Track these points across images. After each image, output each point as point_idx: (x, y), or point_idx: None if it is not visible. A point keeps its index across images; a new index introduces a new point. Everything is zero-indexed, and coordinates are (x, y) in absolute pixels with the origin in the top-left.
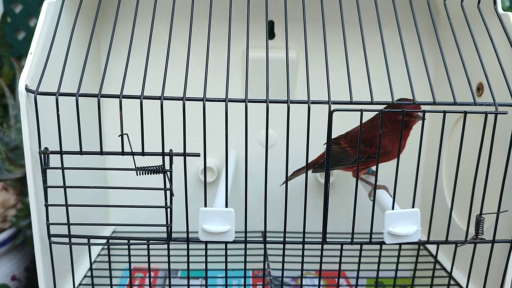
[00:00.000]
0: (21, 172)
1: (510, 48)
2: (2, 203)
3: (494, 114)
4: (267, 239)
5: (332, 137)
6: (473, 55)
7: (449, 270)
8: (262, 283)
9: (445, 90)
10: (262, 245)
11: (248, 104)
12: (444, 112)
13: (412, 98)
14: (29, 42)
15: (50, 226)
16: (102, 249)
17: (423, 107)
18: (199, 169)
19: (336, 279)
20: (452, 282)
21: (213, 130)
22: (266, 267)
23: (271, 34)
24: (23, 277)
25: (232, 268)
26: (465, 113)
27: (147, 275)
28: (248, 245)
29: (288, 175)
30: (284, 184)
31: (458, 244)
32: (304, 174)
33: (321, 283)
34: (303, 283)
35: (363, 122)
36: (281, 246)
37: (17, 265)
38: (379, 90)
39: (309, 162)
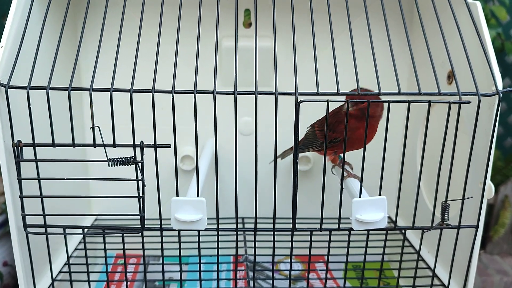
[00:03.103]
0: None
1: (478, 38)
2: None
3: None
4: (246, 225)
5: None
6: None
7: (420, 253)
8: (235, 268)
9: (423, 79)
10: (240, 232)
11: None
12: (409, 102)
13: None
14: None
15: (28, 217)
16: (84, 238)
17: (389, 97)
18: (178, 158)
19: (315, 263)
20: (423, 264)
21: (191, 118)
22: (244, 252)
23: (249, 23)
24: (14, 263)
25: (210, 254)
26: (429, 102)
27: (129, 262)
28: (226, 232)
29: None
30: (273, 163)
31: (425, 230)
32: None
33: (300, 267)
34: (283, 267)
35: (334, 108)
36: (260, 232)
37: (9, 251)
38: (350, 81)
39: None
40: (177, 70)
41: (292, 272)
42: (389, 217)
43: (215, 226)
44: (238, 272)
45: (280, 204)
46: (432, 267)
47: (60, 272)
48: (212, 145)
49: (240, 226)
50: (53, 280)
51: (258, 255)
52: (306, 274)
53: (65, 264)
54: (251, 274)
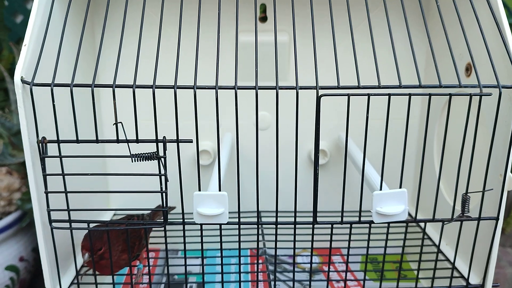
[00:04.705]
0: (24, 156)
1: (497, 29)
2: (7, 187)
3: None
4: (262, 219)
5: None
6: (462, 36)
7: (439, 245)
8: (256, 262)
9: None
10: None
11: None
12: (430, 95)
13: None
14: (27, 25)
15: (52, 212)
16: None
17: (410, 90)
18: (195, 152)
19: (332, 256)
20: (442, 257)
21: (209, 113)
22: (262, 246)
23: (264, 18)
24: (30, 258)
25: (229, 248)
26: (450, 95)
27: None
28: (245, 225)
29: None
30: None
31: (445, 222)
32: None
33: (317, 260)
34: (300, 260)
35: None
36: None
37: (25, 247)
38: (371, 73)
39: None
40: (191, 65)
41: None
42: None
43: (234, 220)
44: (256, 265)
45: (298, 198)
46: (450, 259)
47: (82, 266)
48: (229, 140)
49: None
50: (78, 273)
51: (275, 248)
52: (323, 267)
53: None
54: (269, 267)
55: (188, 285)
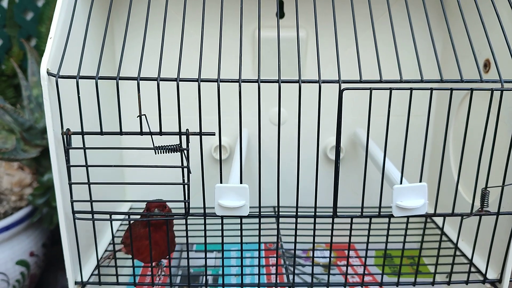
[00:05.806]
0: (36, 151)
1: None
2: (18, 182)
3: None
4: (280, 213)
5: None
6: (482, 32)
7: (455, 241)
8: (276, 255)
9: (454, 67)
10: (273, 219)
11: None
12: (451, 89)
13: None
14: (37, 22)
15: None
16: (121, 224)
17: (431, 85)
18: (212, 147)
19: (345, 251)
20: (458, 253)
21: (225, 109)
22: (278, 240)
23: (280, 14)
24: (40, 253)
25: (244, 242)
26: (472, 90)
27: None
28: (261, 220)
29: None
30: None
31: (464, 217)
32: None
33: (331, 255)
34: (314, 255)
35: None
36: (293, 220)
37: (35, 242)
38: (390, 68)
39: None
40: (210, 60)
41: (325, 260)
42: None
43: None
44: (272, 259)
45: (311, 193)
46: (465, 254)
47: (101, 258)
48: (245, 135)
49: (273, 214)
50: (99, 265)
51: (291, 243)
52: (337, 261)
53: (105, 250)
54: (286, 261)
55: (204, 277)
